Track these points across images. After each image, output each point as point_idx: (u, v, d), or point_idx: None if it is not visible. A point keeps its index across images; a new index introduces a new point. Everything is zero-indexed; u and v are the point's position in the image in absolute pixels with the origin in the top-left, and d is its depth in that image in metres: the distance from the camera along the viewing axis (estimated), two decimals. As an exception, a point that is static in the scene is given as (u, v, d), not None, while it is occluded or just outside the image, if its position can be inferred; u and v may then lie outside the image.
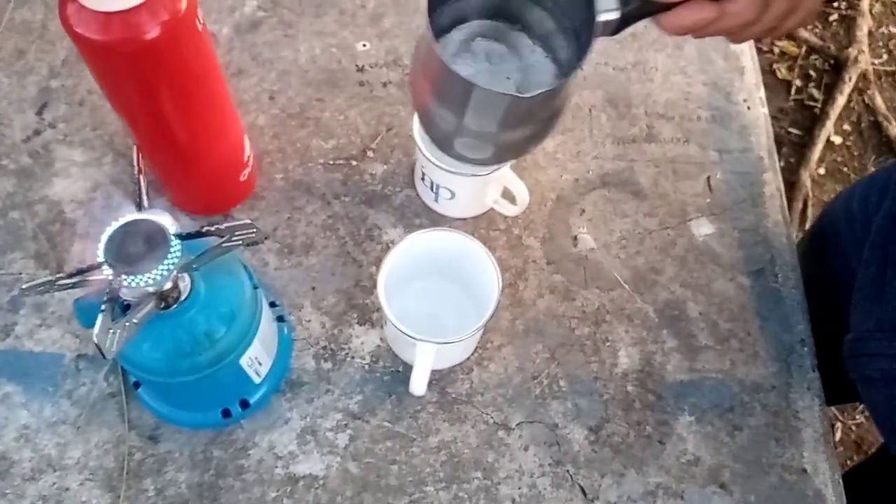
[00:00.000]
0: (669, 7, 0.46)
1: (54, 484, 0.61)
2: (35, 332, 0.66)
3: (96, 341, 0.43)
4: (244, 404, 0.63)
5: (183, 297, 0.52)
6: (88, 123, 0.75)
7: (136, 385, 0.63)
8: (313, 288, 0.69)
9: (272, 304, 0.67)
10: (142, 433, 0.63)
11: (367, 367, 0.66)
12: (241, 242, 0.49)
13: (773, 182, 0.78)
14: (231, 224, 0.48)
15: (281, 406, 0.64)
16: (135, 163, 0.50)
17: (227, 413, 0.63)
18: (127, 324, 0.46)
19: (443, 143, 0.56)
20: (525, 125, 0.52)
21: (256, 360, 0.60)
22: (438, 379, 0.66)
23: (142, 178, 0.52)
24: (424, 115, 0.56)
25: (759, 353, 0.69)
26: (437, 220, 0.72)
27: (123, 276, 0.46)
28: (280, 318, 0.66)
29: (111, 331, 0.44)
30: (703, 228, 0.75)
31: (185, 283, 0.53)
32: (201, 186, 0.69)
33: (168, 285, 0.50)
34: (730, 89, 0.82)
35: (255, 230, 0.49)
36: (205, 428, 0.63)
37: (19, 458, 0.61)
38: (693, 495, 0.63)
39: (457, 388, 0.66)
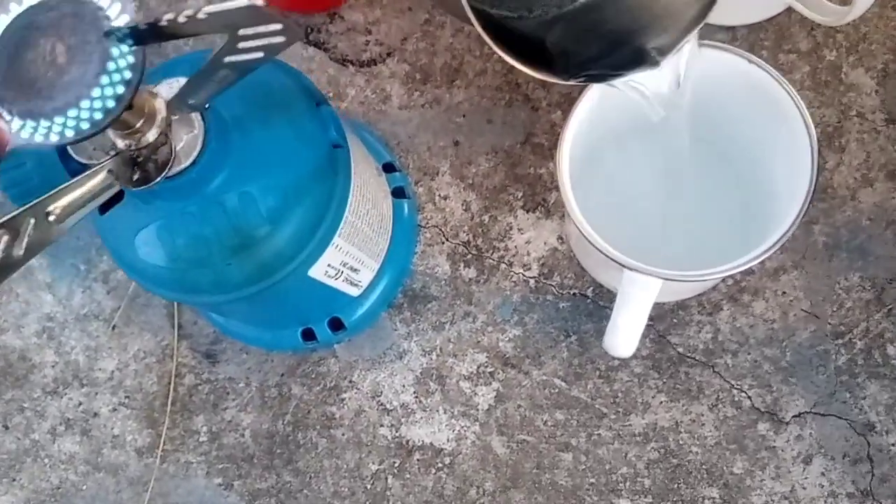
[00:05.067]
0: None
1: (80, 405, 0.43)
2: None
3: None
4: (335, 324, 0.40)
5: (187, 162, 0.28)
6: None
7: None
8: (456, 142, 0.42)
9: (387, 168, 0.41)
10: (196, 346, 0.43)
11: (533, 282, 0.40)
12: (256, 53, 0.23)
13: None
14: (216, 9, 0.21)
15: (394, 329, 0.41)
16: None
17: (309, 334, 0.40)
18: (31, 221, 0.23)
19: None
20: None
21: (346, 266, 0.36)
22: (656, 318, 0.38)
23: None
24: None
25: None
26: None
27: (16, 119, 0.22)
28: (399, 192, 0.41)
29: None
30: None
31: (192, 133, 0.28)
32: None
33: (149, 136, 0.26)
34: None
35: (279, 26, 0.21)
36: (281, 350, 0.41)
37: (40, 360, 0.44)
38: None
39: (688, 336, 0.38)
